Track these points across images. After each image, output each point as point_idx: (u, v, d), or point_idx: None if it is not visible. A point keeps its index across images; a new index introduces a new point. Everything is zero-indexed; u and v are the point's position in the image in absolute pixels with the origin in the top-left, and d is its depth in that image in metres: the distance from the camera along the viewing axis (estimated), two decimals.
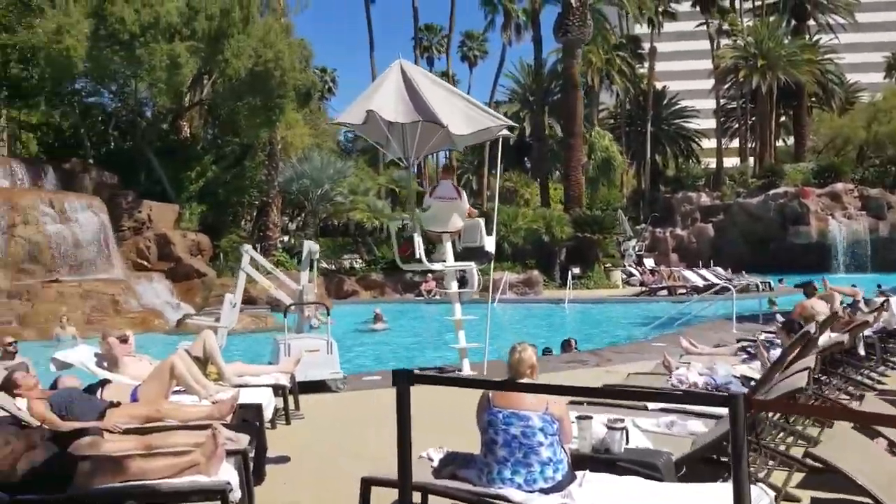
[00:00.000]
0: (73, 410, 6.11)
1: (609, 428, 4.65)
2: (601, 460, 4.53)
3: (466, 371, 10.51)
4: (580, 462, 4.39)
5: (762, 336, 9.39)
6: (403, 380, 3.27)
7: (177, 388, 7.06)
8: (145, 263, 25.03)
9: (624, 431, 4.67)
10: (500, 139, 11.28)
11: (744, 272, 31.10)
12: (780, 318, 12.53)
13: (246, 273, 10.24)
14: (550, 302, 27.18)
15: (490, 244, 10.79)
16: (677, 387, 6.71)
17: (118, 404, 6.33)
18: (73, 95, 26.91)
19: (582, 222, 31.51)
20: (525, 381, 4.53)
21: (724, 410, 2.77)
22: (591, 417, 4.87)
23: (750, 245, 39.93)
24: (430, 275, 29.98)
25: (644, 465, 4.40)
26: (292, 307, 9.97)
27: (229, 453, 5.12)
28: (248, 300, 27.61)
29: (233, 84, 27.86)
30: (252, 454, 5.50)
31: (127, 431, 6.03)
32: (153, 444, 5.25)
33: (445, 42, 56.91)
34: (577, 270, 30.60)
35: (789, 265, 34.78)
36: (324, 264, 34.39)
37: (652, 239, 42.86)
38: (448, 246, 10.70)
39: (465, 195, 10.94)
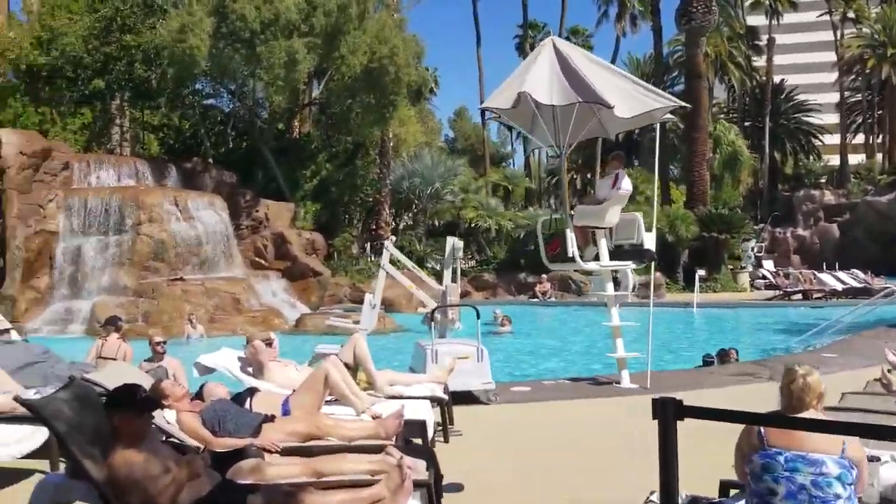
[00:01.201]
0: (226, 425, 5.42)
1: None
2: None
3: (626, 383, 9.42)
4: None
5: None
6: (669, 411, 2.29)
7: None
8: (262, 262, 25.02)
9: None
10: (659, 126, 10.16)
11: (871, 274, 28.49)
12: None
13: (386, 272, 9.47)
14: (676, 306, 25.52)
15: (650, 241, 9.64)
16: None
17: (272, 418, 5.61)
18: (193, 96, 27.29)
19: (708, 221, 29.59)
20: (811, 414, 3.48)
21: None
22: (878, 459, 3.78)
23: (880, 245, 36.90)
24: (544, 276, 28.88)
25: None
26: (436, 310, 9.08)
27: (414, 486, 4.28)
28: (360, 300, 27.38)
29: (346, 81, 27.64)
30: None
31: (286, 452, 5.28)
32: (322, 471, 4.45)
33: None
34: (702, 272, 28.73)
35: None
36: (431, 264, 33.85)
37: (771, 240, 40.28)
38: (603, 244, 9.62)
39: None
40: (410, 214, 34.30)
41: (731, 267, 31.13)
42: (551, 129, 9.61)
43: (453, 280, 9.48)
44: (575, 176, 51.55)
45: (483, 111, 35.29)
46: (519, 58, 62.06)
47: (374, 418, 5.99)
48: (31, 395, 6.53)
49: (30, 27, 24.89)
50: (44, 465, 5.70)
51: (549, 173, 53.80)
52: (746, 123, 52.53)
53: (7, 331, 7.70)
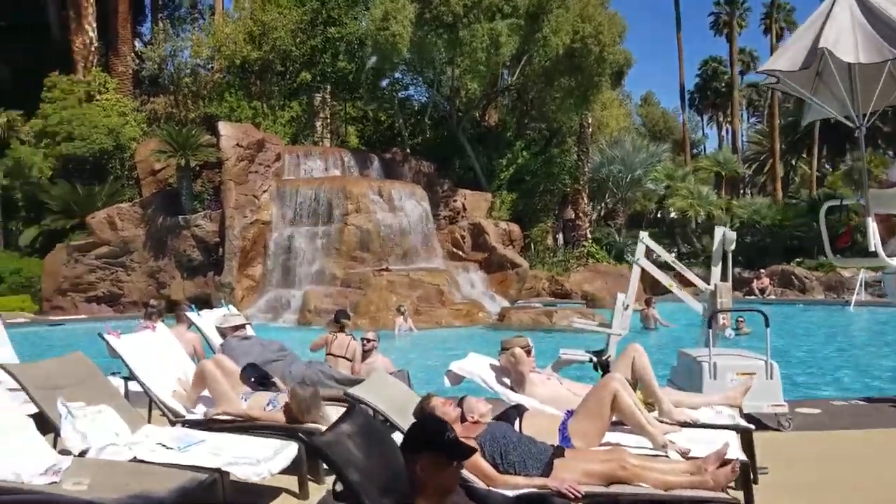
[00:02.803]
0: (509, 457, 4.41)
1: None
2: None
3: None
4: None
5: None
6: None
7: None
8: (460, 253, 24.46)
9: None
10: None
11: None
12: None
13: (641, 267, 8.15)
14: None
15: None
16: None
17: (562, 451, 4.53)
18: (391, 86, 27.25)
19: None
20: None
21: None
22: None
23: None
24: (762, 270, 26.21)
25: None
26: (715, 315, 7.60)
27: None
28: (563, 293, 26.16)
29: (544, 65, 26.45)
30: None
31: (589, 499, 4.19)
32: None
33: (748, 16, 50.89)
34: None
35: None
36: (631, 257, 31.89)
37: None
38: None
39: None
40: (606, 204, 32.51)
41: None
42: (850, 96, 7.83)
43: (723, 278, 7.95)
44: (790, 159, 46.93)
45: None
46: (716, 37, 58.20)
47: (682, 456, 4.75)
48: (270, 398, 5.96)
49: (242, 23, 25.85)
50: (290, 482, 5.00)
51: (747, 159, 49.80)
52: None
53: (243, 326, 7.22)
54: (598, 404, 5.04)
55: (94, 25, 26.28)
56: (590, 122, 28.99)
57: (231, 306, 8.18)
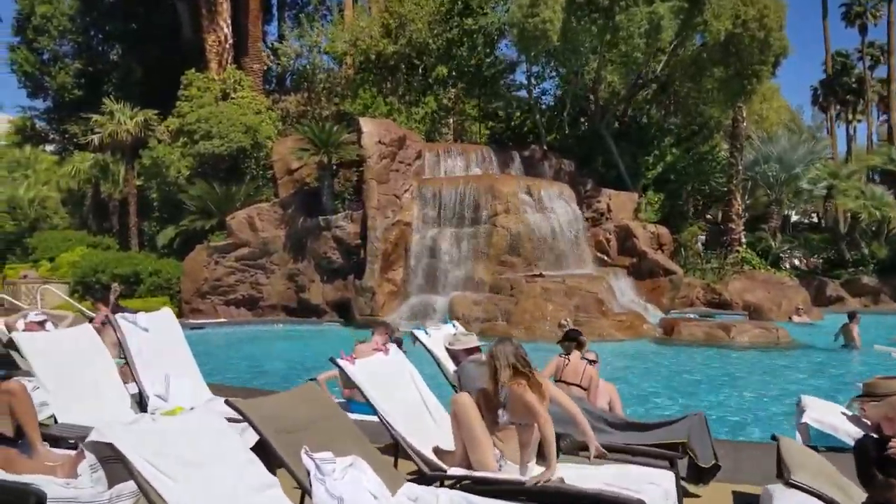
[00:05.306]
0: None
1: None
2: None
3: None
4: None
5: None
6: None
7: None
8: (605, 258, 22.60)
9: None
10: None
11: None
12: None
13: None
14: None
15: None
16: None
17: None
18: (529, 80, 25.70)
19: None
20: None
21: None
22: None
23: None
24: None
25: None
26: None
27: None
28: (721, 303, 23.83)
29: (693, 54, 24.29)
30: None
31: None
32: None
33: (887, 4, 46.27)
34: None
35: None
36: (795, 262, 29.15)
37: None
38: None
39: None
40: (758, 205, 29.86)
41: None
42: None
43: None
44: None
45: None
46: (847, 29, 53.13)
47: None
48: None
49: (378, 17, 24.87)
50: None
51: None
52: None
53: (477, 348, 5.75)
54: None
55: (229, 22, 25.91)
56: (744, 115, 26.56)
57: (456, 323, 6.77)
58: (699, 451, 5.01)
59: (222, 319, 19.05)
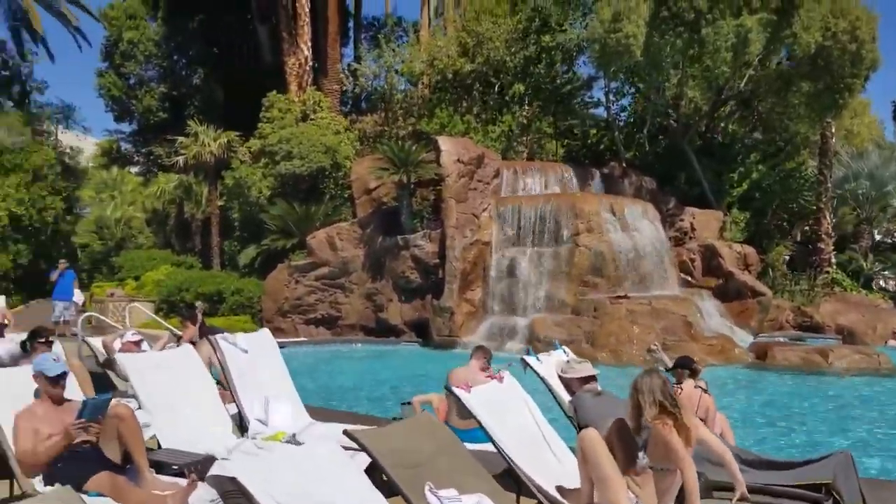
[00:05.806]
0: None
1: None
2: None
3: None
4: None
5: None
6: None
7: None
8: (689, 279, 21.82)
9: None
10: None
11: None
12: None
13: None
14: None
15: None
16: None
17: None
18: (608, 96, 25.22)
19: None
20: None
21: None
22: None
23: None
24: None
25: None
26: None
27: None
28: (812, 326, 22.72)
29: (779, 68, 23.40)
30: None
31: None
32: None
33: None
34: None
35: None
36: (881, 282, 27.71)
37: None
38: None
39: None
40: (848, 224, 28.53)
41: None
42: None
43: None
44: None
45: None
46: None
47: None
48: None
49: (456, 36, 24.87)
50: None
51: None
52: None
53: (594, 377, 5.41)
54: None
55: (310, 45, 26.33)
56: (833, 131, 25.45)
57: (566, 349, 6.45)
58: (845, 492, 4.57)
59: (302, 339, 19.12)
